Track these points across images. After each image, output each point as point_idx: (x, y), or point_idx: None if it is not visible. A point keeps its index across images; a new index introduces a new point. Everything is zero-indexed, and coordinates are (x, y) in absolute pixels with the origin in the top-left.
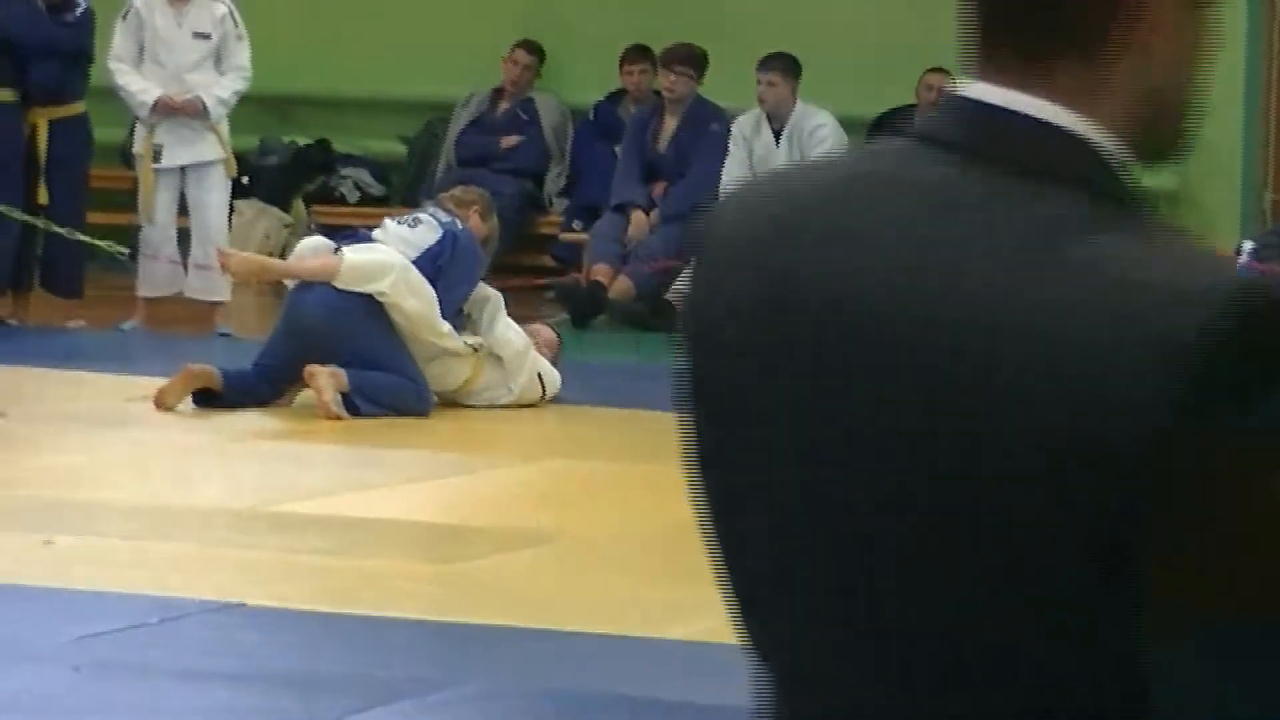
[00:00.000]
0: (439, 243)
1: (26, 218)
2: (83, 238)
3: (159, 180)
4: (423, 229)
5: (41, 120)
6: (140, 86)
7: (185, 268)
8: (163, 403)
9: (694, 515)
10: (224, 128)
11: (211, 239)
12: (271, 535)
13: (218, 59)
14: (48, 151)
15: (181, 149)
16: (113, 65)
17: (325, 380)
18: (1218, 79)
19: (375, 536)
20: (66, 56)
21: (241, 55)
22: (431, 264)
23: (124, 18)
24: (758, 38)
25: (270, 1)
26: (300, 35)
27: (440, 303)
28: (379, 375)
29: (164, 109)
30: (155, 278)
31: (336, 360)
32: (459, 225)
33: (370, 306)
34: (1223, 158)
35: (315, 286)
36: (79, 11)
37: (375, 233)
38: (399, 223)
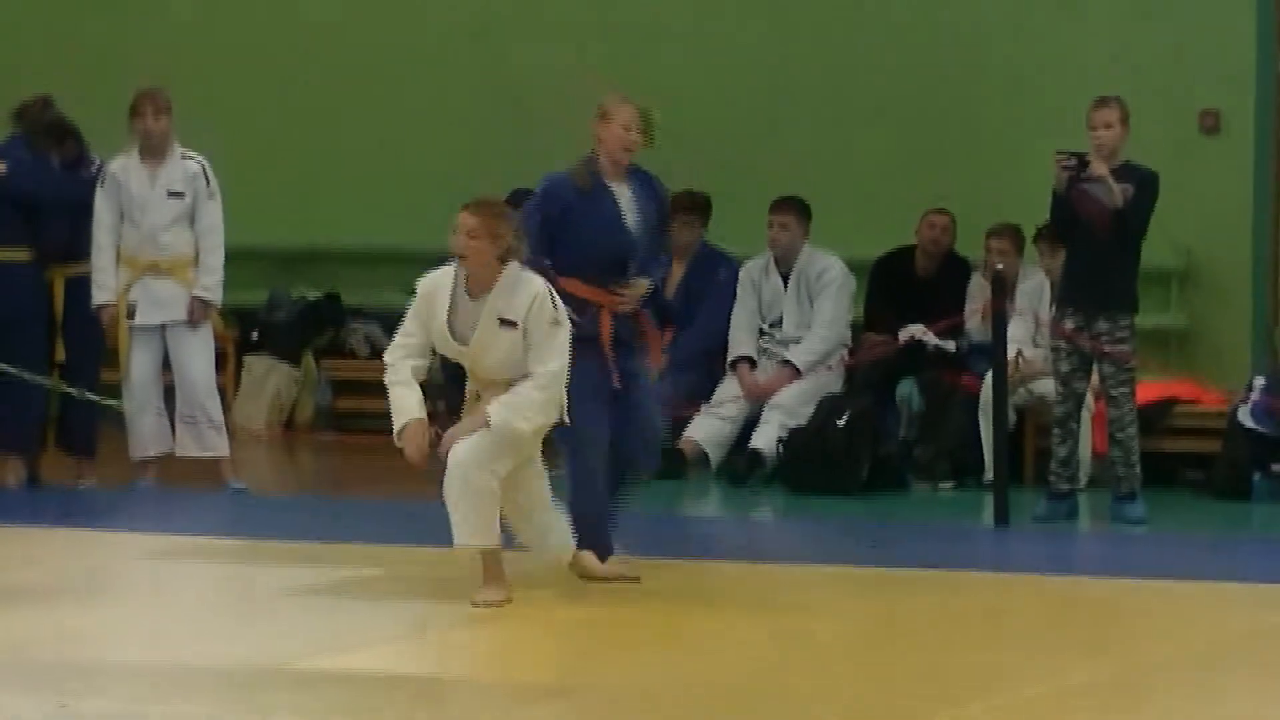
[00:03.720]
0: None
1: (34, 377)
2: (91, 396)
3: (136, 337)
4: None
5: (58, 277)
6: (99, 282)
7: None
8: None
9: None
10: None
11: (196, 395)
12: (288, 693)
13: (192, 218)
14: (64, 309)
15: (155, 308)
16: (95, 236)
17: None
18: (1226, 214)
19: (392, 693)
20: (81, 213)
21: (212, 215)
22: None
23: (102, 184)
24: (762, 184)
25: (275, 156)
26: (306, 190)
27: None
28: None
29: (108, 320)
30: (143, 436)
31: None
32: None
33: None
34: (1232, 294)
35: None
36: (94, 168)
37: None
38: None
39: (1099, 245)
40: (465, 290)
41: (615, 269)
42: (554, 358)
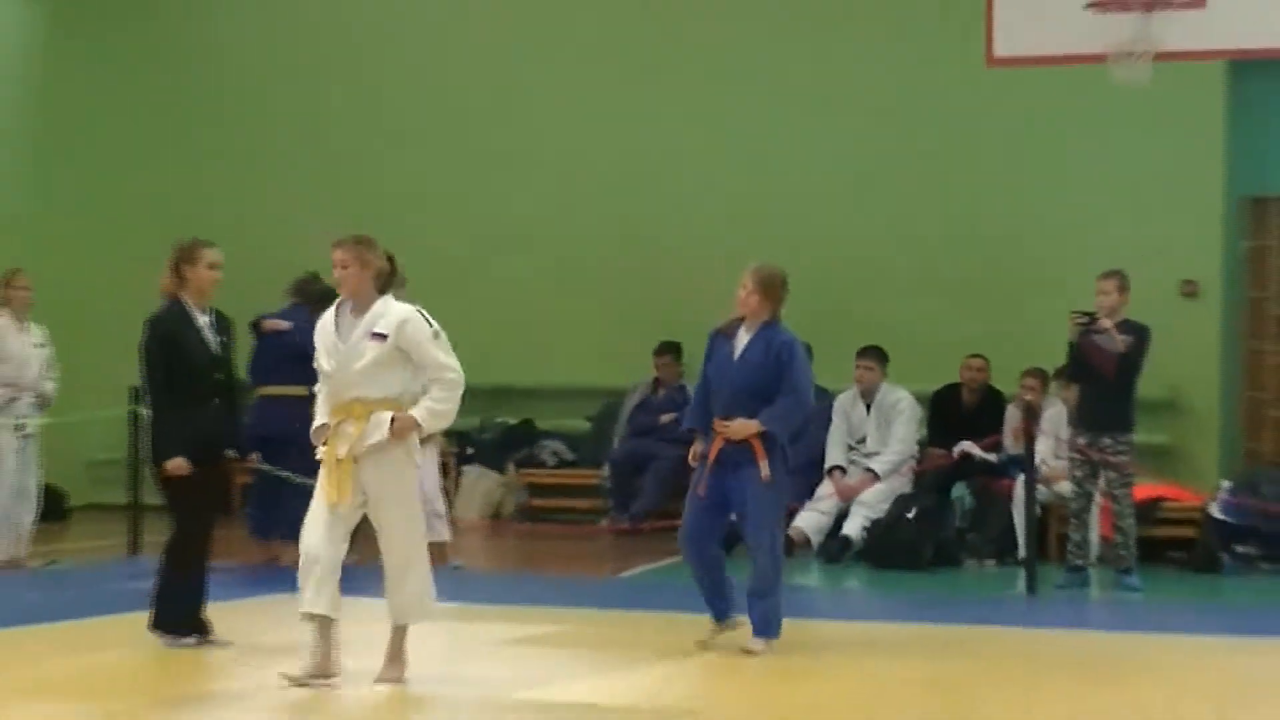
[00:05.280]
0: None
1: (306, 480)
2: None
3: None
4: None
5: None
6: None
7: None
8: None
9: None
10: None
11: (427, 495)
12: (500, 716)
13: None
14: None
15: None
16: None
17: None
18: (1202, 359)
19: (576, 717)
20: None
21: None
22: None
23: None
24: (850, 335)
25: (487, 315)
26: (508, 340)
27: None
28: None
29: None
30: None
31: None
32: None
33: None
34: (1207, 419)
35: None
36: None
37: None
38: None
39: (1104, 382)
40: (350, 313)
41: (729, 403)
42: (446, 364)
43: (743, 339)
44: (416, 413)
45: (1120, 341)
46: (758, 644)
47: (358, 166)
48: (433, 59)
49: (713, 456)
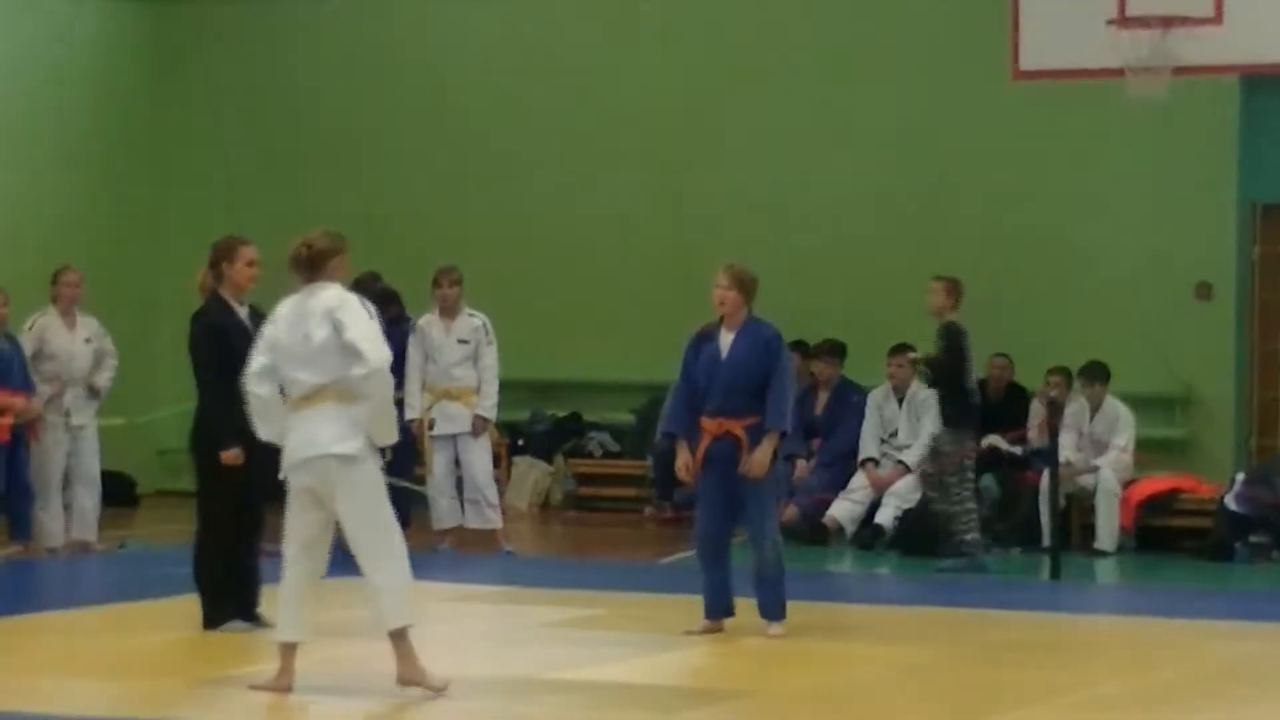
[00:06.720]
0: None
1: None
2: (405, 483)
3: (436, 443)
4: None
5: None
6: (409, 404)
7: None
8: None
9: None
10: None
11: (478, 484)
12: (545, 695)
13: (475, 358)
14: None
15: (449, 422)
16: (408, 371)
17: None
18: (1216, 357)
19: (614, 696)
20: (400, 356)
21: (489, 356)
22: None
23: (413, 333)
24: (881, 336)
25: (536, 315)
26: (557, 337)
27: None
28: None
29: (416, 430)
30: (440, 514)
31: None
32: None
33: None
34: (1220, 413)
35: None
36: (409, 324)
37: None
38: None
39: (943, 385)
40: None
41: (721, 399)
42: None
43: (726, 337)
44: None
45: (925, 361)
46: (779, 628)
47: (461, 182)
48: (500, 82)
49: (701, 455)
